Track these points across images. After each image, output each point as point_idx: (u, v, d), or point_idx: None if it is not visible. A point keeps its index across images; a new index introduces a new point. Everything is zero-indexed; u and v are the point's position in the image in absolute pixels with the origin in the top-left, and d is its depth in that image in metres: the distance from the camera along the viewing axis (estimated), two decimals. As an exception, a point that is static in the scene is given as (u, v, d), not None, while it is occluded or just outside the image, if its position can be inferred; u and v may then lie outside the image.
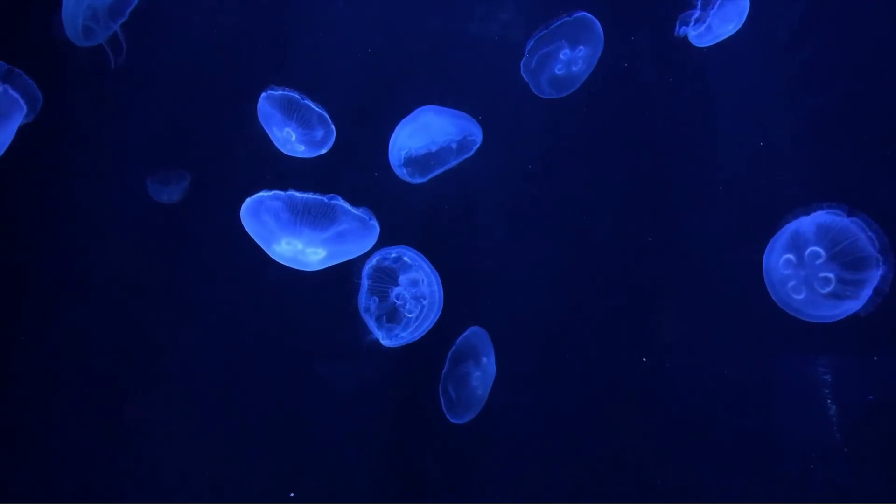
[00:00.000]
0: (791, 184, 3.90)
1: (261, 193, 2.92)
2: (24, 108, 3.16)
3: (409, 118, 3.87)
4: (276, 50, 4.23)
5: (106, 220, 4.22)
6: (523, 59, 3.93)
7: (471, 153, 3.93)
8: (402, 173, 3.92)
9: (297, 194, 2.87)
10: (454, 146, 3.90)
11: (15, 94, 3.13)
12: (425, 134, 3.85)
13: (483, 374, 3.72)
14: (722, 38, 3.80)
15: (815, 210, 3.13)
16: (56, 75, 3.99)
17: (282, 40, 4.24)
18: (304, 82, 3.69)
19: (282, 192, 2.87)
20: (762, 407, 3.94)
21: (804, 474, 3.80)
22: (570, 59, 3.94)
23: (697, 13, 3.78)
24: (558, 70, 3.98)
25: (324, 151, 3.85)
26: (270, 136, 3.84)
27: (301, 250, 3.08)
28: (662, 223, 4.11)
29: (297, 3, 4.27)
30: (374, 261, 3.43)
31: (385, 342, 3.43)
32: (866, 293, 3.03)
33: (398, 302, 3.44)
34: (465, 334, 3.74)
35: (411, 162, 3.89)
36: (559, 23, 3.89)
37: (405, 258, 3.41)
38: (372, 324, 3.41)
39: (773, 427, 3.92)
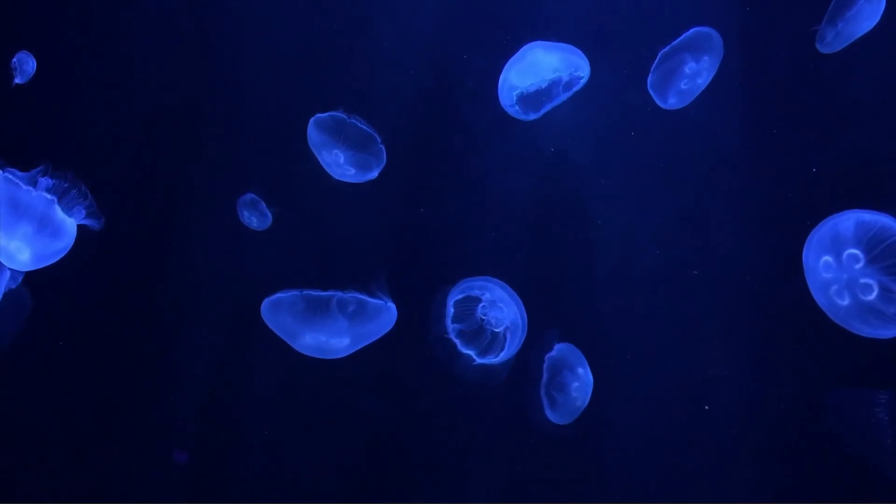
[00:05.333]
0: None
1: (277, 295, 3.04)
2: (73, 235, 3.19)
3: (516, 56, 3.82)
4: (322, 73, 4.18)
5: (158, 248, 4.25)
6: (649, 77, 4.10)
7: (579, 86, 3.84)
8: (514, 112, 3.92)
9: (312, 292, 2.98)
10: (563, 80, 3.83)
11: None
12: (533, 71, 3.80)
13: (581, 384, 3.75)
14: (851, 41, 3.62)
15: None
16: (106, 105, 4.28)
17: (328, 63, 4.17)
18: (352, 103, 3.70)
19: (297, 292, 3.00)
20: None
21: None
22: (695, 71, 4.03)
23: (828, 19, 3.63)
24: (684, 85, 4.09)
25: (374, 175, 3.79)
26: (319, 160, 3.79)
27: (325, 341, 3.18)
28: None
29: (342, 27, 4.23)
30: (458, 295, 3.51)
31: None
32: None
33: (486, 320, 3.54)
34: (554, 350, 3.76)
35: (522, 100, 3.89)
36: (682, 38, 4.01)
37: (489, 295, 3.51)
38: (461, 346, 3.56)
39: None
